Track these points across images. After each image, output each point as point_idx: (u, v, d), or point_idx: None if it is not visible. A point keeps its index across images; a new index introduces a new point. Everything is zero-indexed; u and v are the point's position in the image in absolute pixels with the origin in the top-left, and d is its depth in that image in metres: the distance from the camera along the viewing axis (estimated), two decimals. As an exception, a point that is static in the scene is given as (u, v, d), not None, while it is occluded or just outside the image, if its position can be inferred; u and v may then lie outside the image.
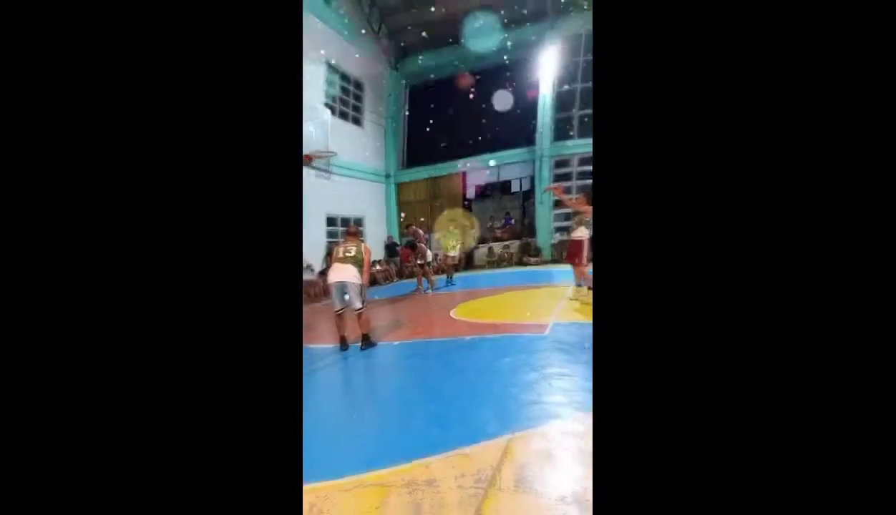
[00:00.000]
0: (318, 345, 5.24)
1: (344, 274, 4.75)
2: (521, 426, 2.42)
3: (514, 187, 15.63)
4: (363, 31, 13.38)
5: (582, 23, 12.88)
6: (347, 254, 4.84)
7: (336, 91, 12.58)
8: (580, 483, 1.81)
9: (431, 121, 15.05)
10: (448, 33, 14.25)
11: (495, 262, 14.00)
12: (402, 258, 12.90)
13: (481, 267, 13.75)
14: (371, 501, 1.84)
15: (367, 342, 4.76)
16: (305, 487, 2.00)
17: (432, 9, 13.50)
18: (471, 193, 16.12)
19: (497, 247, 14.39)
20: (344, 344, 4.81)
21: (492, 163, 14.89)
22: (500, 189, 15.84)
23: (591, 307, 4.82)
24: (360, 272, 4.81)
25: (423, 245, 9.42)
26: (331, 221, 11.92)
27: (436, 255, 10.55)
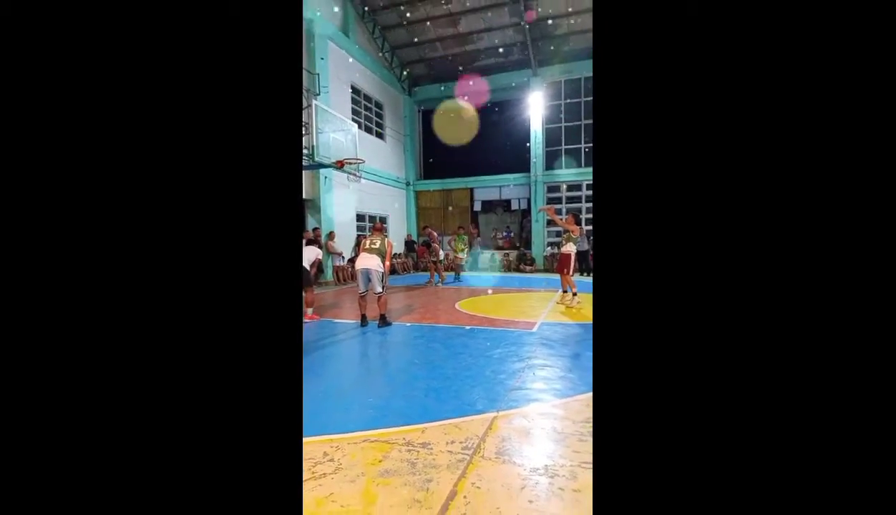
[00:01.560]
0: (343, 320, 5.42)
1: (369, 262, 4.94)
2: (505, 406, 2.46)
3: (514, 205, 15.97)
4: (380, 62, 13.80)
5: (560, 71, 13.81)
6: (373, 246, 5.04)
7: (361, 108, 12.85)
8: (552, 458, 1.86)
9: (443, 142, 15.48)
10: (452, 69, 14.82)
11: (496, 267, 14.13)
12: (418, 254, 13.56)
13: (484, 270, 13.83)
14: (375, 454, 1.90)
15: (384, 321, 4.92)
16: (321, 438, 2.07)
17: (439, 50, 14.25)
18: (478, 207, 16.29)
19: (498, 255, 14.58)
20: (364, 321, 5.01)
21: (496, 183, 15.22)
22: (502, 205, 16.13)
23: (574, 310, 4.85)
24: (383, 261, 4.98)
25: (436, 245, 9.67)
26: (360, 217, 12.16)
27: (446, 255, 10.72)
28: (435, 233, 10.20)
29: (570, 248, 6.47)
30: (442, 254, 9.81)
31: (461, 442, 2.00)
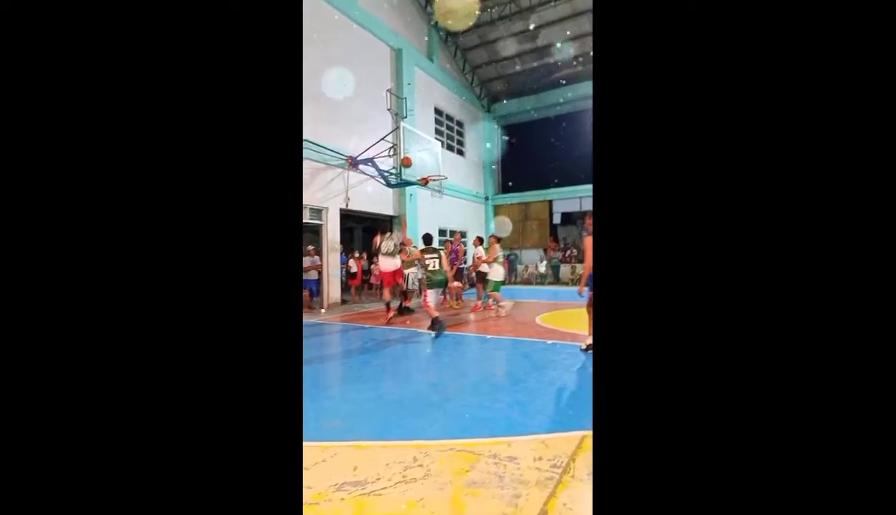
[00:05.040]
0: (422, 330, 5.48)
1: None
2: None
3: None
4: (460, 82, 14.19)
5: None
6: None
7: (443, 128, 13.29)
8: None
9: (522, 155, 15.60)
10: (531, 83, 14.83)
11: (569, 282, 13.51)
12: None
13: (565, 283, 13.32)
14: (462, 464, 1.88)
15: (436, 326, 5.10)
16: (410, 443, 2.10)
17: (517, 66, 14.24)
18: (557, 219, 15.80)
19: (578, 269, 13.95)
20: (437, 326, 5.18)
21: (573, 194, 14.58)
22: (581, 217, 15.41)
23: None
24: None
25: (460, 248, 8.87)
26: (441, 232, 12.48)
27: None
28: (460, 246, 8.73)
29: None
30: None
31: (549, 460, 1.91)
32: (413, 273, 6.31)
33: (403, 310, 6.82)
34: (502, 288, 7.15)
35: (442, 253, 5.80)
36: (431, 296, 5.55)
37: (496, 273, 6.84)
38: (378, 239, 6.63)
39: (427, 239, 6.01)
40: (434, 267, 5.59)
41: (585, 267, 4.01)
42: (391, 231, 9.99)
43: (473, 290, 8.71)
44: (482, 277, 7.34)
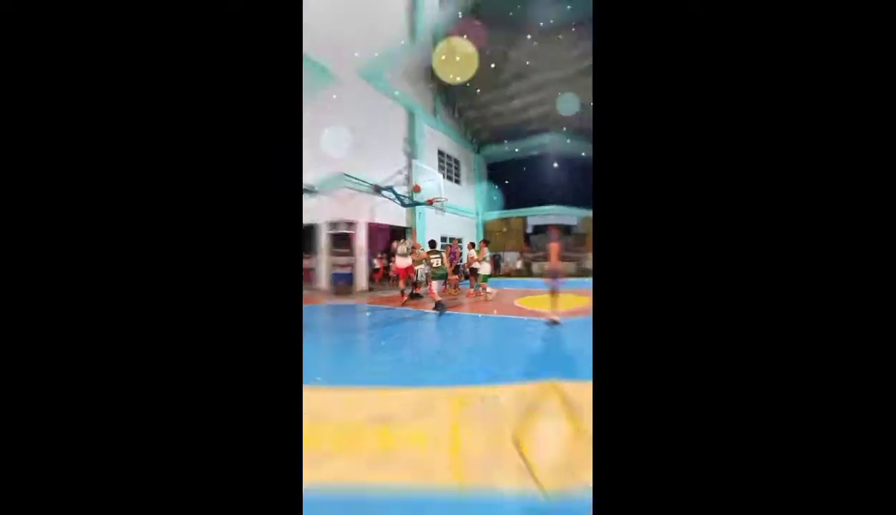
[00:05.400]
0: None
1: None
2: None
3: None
4: (457, 131, 14.66)
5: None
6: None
7: (444, 164, 13.99)
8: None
9: (504, 184, 16.09)
10: (509, 131, 15.29)
11: (541, 275, 13.72)
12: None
13: (537, 276, 13.47)
14: (459, 405, 1.92)
15: (439, 308, 5.10)
16: (420, 389, 2.13)
17: (500, 120, 14.63)
18: (529, 229, 16.25)
19: (545, 265, 14.19)
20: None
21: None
22: (544, 229, 15.99)
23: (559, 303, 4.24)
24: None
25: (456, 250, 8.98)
26: (443, 239, 12.80)
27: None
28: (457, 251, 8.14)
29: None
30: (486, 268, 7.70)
31: (525, 404, 1.93)
32: (421, 268, 6.64)
33: (413, 296, 6.95)
34: (490, 279, 7.38)
35: (443, 253, 5.97)
36: (435, 286, 5.65)
37: (485, 268, 7.11)
38: (395, 244, 6.99)
39: (432, 243, 6.23)
40: (437, 264, 5.73)
41: (549, 265, 4.06)
42: (405, 238, 10.22)
43: (467, 281, 9.01)
44: (474, 272, 7.65)
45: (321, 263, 8.53)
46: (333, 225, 8.48)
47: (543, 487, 1.21)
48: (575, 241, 15.12)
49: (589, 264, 12.62)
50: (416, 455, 1.46)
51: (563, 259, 5.73)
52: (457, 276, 8.79)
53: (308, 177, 7.96)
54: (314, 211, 8.29)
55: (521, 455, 1.41)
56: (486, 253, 7.11)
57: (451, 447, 1.51)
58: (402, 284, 6.75)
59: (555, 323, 4.04)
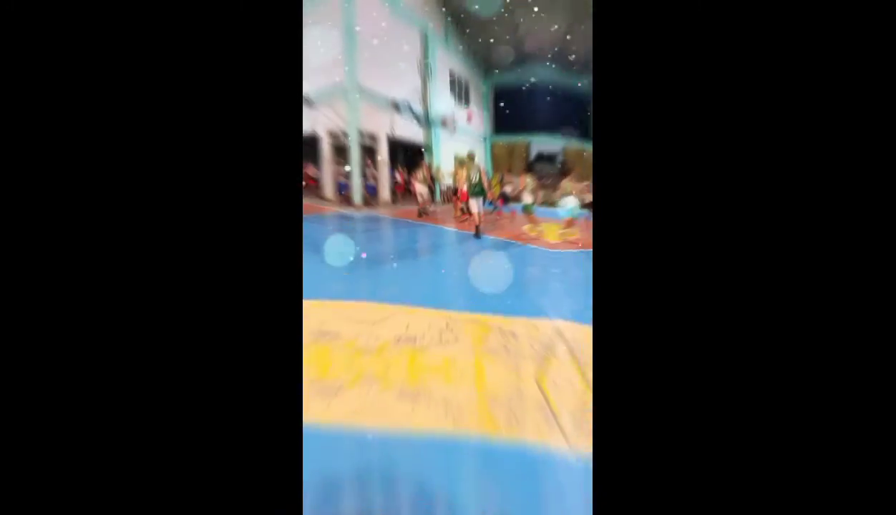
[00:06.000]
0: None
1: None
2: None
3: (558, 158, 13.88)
4: (466, 55, 11.90)
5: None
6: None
7: (455, 87, 11.66)
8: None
9: (510, 110, 13.77)
10: (513, 62, 12.40)
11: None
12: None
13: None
14: (479, 333, 1.69)
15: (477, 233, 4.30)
16: (442, 312, 1.87)
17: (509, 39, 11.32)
18: (532, 156, 14.47)
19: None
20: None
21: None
22: (547, 157, 14.10)
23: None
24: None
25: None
26: (455, 157, 11.46)
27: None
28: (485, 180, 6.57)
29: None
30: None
31: (539, 340, 1.71)
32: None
33: (422, 214, 6.31)
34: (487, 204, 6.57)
35: (480, 167, 4.36)
36: (475, 204, 4.36)
37: (527, 197, 5.44)
38: (415, 180, 6.20)
39: (471, 156, 4.58)
40: (476, 179, 4.25)
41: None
42: (423, 159, 8.98)
43: (491, 203, 7.42)
44: (504, 196, 6.78)
45: (325, 173, 7.55)
46: (333, 135, 7.13)
47: (570, 441, 1.02)
48: (553, 169, 13.60)
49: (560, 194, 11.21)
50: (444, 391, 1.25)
51: (540, 188, 4.86)
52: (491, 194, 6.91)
53: (306, 87, 6.25)
54: (312, 121, 6.88)
55: (547, 401, 1.20)
56: (528, 181, 5.49)
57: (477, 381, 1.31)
58: (459, 203, 5.76)
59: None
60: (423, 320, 1.80)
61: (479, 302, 2.15)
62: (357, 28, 6.78)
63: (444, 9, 10.45)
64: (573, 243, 3.81)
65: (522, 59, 12.35)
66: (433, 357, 1.44)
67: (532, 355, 1.54)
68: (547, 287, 2.55)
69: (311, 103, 6.85)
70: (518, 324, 1.85)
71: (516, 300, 2.24)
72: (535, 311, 2.06)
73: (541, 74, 12.92)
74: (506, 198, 7.23)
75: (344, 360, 1.40)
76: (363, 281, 2.31)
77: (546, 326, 1.85)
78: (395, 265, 3.02)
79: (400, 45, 8.32)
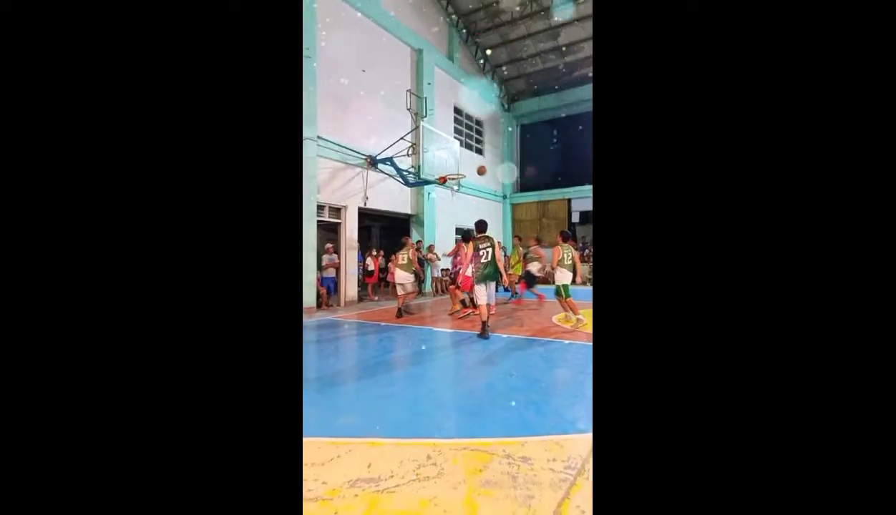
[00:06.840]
0: (442, 329, 5.46)
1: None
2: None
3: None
4: (480, 81, 14.00)
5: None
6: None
7: (462, 127, 13.21)
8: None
9: (541, 154, 15.52)
10: (551, 81, 14.73)
11: (586, 281, 13.25)
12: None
13: (581, 283, 13.17)
14: (476, 463, 1.87)
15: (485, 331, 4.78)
16: (424, 441, 2.09)
17: (538, 65, 14.16)
18: (575, 218, 15.51)
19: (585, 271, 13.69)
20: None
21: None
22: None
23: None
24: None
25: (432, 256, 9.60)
26: (458, 231, 12.37)
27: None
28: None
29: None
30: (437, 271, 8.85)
31: (563, 461, 1.88)
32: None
33: (400, 314, 6.74)
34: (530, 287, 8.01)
35: (495, 242, 4.96)
36: (482, 294, 4.85)
37: (565, 276, 5.86)
38: (394, 259, 7.27)
39: (480, 226, 5.20)
40: (487, 258, 4.81)
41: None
42: (408, 237, 10.09)
43: (507, 290, 9.05)
44: (530, 275, 7.95)
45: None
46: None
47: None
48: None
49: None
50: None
51: (582, 261, 5.39)
52: (510, 277, 8.39)
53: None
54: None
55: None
56: (563, 252, 5.71)
57: (464, 526, 1.45)
58: (459, 294, 6.77)
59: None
60: (392, 454, 2.00)
61: (478, 424, 2.34)
62: (321, 42, 7.54)
63: (448, 9, 11.71)
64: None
65: (562, 77, 14.34)
66: (403, 500, 1.62)
67: (552, 481, 1.68)
68: (583, 391, 2.73)
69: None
70: (534, 446, 2.03)
71: (536, 414, 2.43)
72: (562, 426, 2.23)
73: (586, 99, 13.77)
74: (530, 281, 8.04)
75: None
76: (309, 411, 2.55)
77: (579, 443, 2.01)
78: (355, 385, 3.28)
79: (382, 70, 9.40)
